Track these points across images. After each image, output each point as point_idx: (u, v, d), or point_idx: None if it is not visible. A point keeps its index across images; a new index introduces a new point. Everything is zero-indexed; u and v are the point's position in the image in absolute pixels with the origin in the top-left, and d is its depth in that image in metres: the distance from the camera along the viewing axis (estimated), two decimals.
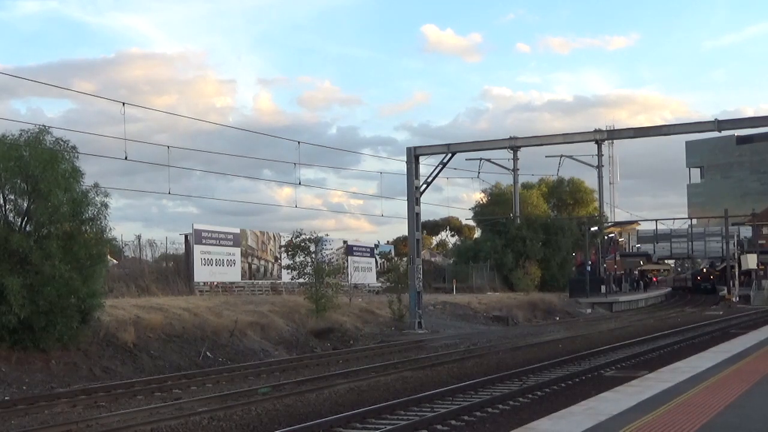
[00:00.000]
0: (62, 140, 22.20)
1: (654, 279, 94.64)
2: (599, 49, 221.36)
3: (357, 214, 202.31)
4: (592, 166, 76.80)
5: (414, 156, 39.79)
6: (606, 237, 79.04)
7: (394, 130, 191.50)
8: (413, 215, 39.64)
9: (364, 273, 55.56)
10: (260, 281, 45.68)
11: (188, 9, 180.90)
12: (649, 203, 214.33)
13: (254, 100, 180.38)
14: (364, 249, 58.73)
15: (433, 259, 78.95)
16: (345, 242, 55.61)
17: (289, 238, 38.79)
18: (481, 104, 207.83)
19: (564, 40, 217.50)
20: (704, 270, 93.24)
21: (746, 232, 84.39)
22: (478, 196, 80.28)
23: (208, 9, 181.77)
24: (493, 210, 72.88)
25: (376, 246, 62.74)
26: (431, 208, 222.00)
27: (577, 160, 77.00)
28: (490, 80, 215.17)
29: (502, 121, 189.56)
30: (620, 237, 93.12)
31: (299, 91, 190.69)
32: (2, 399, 17.68)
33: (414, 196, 39.50)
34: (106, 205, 22.59)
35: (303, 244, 36.55)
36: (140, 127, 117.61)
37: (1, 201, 22.05)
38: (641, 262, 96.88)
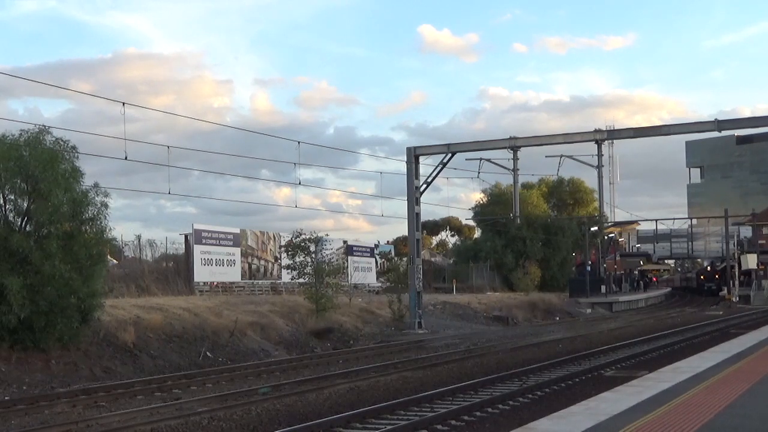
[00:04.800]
0: (62, 140, 22.20)
1: (654, 279, 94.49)
2: (597, 50, 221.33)
3: (356, 214, 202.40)
4: (592, 166, 76.78)
5: (414, 156, 39.82)
6: (606, 237, 79.03)
7: (391, 130, 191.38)
8: (413, 215, 39.66)
9: (364, 273, 55.58)
10: (260, 281, 45.70)
11: (186, 8, 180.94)
12: (649, 203, 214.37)
13: (251, 100, 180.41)
14: (364, 249, 58.75)
15: (433, 259, 78.95)
16: (345, 242, 55.62)
17: (289, 238, 38.81)
18: (478, 104, 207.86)
19: (561, 40, 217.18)
20: (708, 269, 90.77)
21: (746, 232, 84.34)
22: (478, 196, 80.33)
23: (207, 8, 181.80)
24: (493, 210, 72.88)
25: (376, 246, 62.78)
26: (431, 208, 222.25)
27: (577, 160, 76.99)
28: (489, 80, 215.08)
29: (499, 121, 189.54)
30: (620, 237, 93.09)
31: (296, 92, 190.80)
32: (2, 399, 17.68)
33: (414, 196, 39.51)
34: (106, 205, 22.61)
35: (303, 244, 36.56)
36: (138, 127, 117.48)
37: (1, 201, 22.05)
38: (641, 262, 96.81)
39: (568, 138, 43.56)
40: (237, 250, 43.84)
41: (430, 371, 21.54)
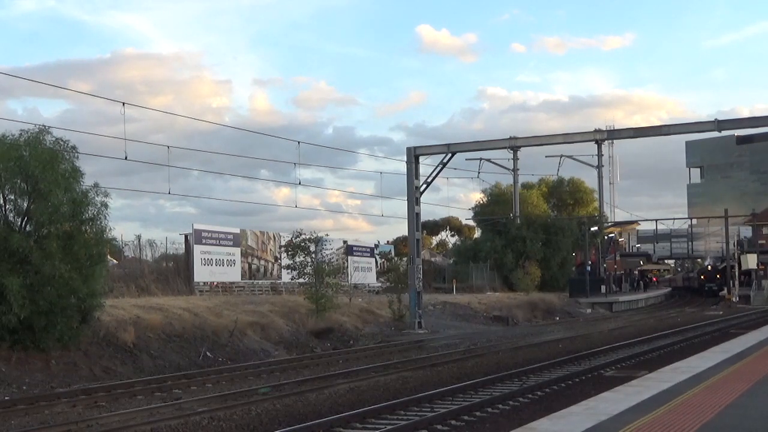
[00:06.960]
0: (62, 140, 22.21)
1: (654, 279, 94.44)
2: (596, 50, 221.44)
3: (355, 214, 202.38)
4: (592, 166, 76.89)
5: (414, 156, 39.83)
6: (606, 237, 79.05)
7: (389, 130, 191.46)
8: (413, 215, 39.66)
9: (364, 273, 55.55)
10: (260, 281, 45.68)
11: (185, 8, 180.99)
12: (649, 203, 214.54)
13: (250, 100, 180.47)
14: (364, 249, 58.73)
15: (433, 259, 78.92)
16: (345, 242, 55.60)
17: (289, 238, 38.81)
18: (477, 104, 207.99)
19: (560, 40, 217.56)
20: (709, 268, 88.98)
21: (746, 232, 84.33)
22: (477, 196, 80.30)
23: (205, 8, 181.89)
24: (493, 210, 72.89)
25: (376, 246, 62.74)
26: (431, 208, 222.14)
27: (577, 160, 77.08)
28: (488, 80, 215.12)
29: (497, 121, 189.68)
30: (620, 237, 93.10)
31: (295, 92, 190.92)
32: (2, 399, 17.68)
33: (414, 196, 39.52)
34: (106, 205, 22.62)
35: (303, 244, 36.56)
36: (137, 127, 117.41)
37: (1, 201, 22.06)
38: (641, 262, 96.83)
39: (568, 138, 43.55)
40: (237, 250, 43.82)
41: (430, 371, 21.54)
